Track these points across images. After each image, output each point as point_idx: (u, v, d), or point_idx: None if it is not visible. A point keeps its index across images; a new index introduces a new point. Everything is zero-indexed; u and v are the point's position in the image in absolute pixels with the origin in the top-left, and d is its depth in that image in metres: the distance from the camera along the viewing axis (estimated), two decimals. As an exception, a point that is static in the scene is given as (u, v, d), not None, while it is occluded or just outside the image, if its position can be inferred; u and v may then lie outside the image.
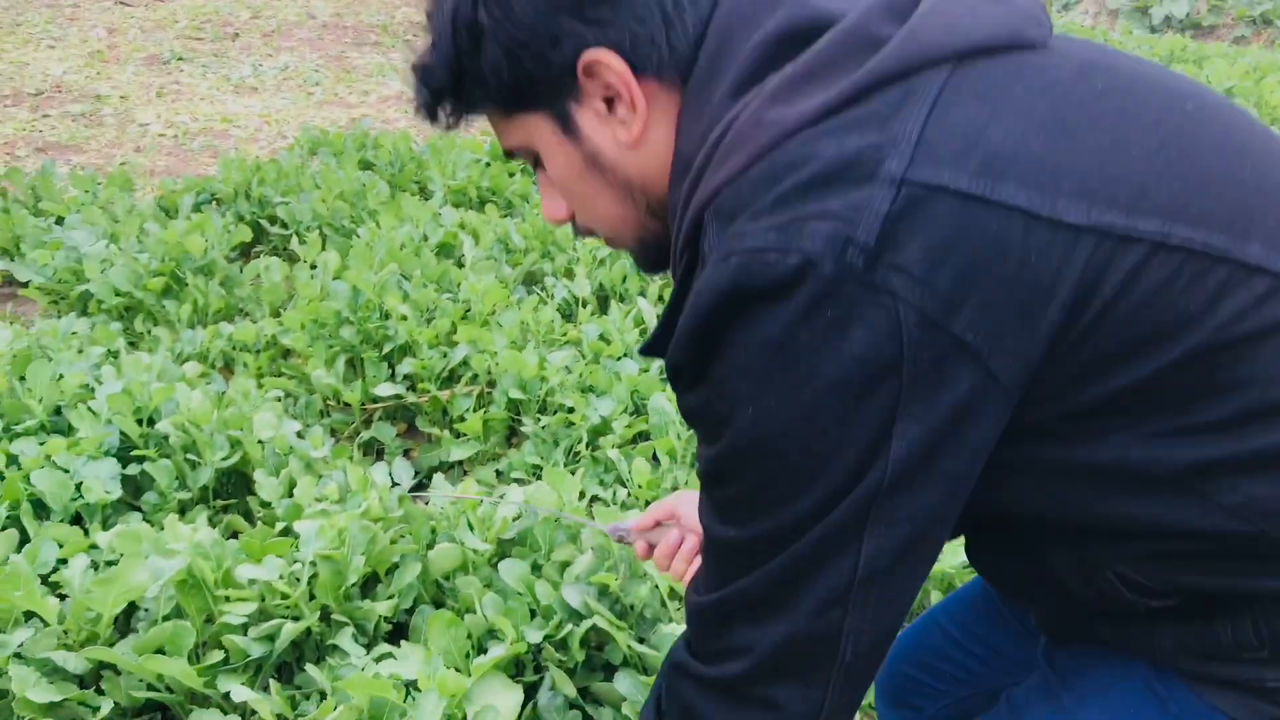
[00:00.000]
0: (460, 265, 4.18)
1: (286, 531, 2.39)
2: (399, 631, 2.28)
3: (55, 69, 8.39)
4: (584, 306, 3.84)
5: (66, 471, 2.51)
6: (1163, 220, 0.84)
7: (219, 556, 2.15)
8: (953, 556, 2.40)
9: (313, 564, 2.16)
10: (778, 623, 0.93)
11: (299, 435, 2.89)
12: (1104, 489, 0.92)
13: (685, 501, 1.59)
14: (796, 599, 0.91)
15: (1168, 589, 0.96)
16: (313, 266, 4.07)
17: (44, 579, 2.18)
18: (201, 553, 2.13)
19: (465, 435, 3.18)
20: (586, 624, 2.12)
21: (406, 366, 3.34)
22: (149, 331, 3.67)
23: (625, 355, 3.41)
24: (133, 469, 2.64)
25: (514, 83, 0.99)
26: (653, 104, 0.98)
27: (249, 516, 2.67)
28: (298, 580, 2.14)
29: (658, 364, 3.32)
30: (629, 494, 2.80)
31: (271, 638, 2.03)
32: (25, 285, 4.17)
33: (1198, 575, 0.94)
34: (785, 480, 0.88)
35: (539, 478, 2.89)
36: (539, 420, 3.14)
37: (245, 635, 2.03)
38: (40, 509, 2.48)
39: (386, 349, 3.45)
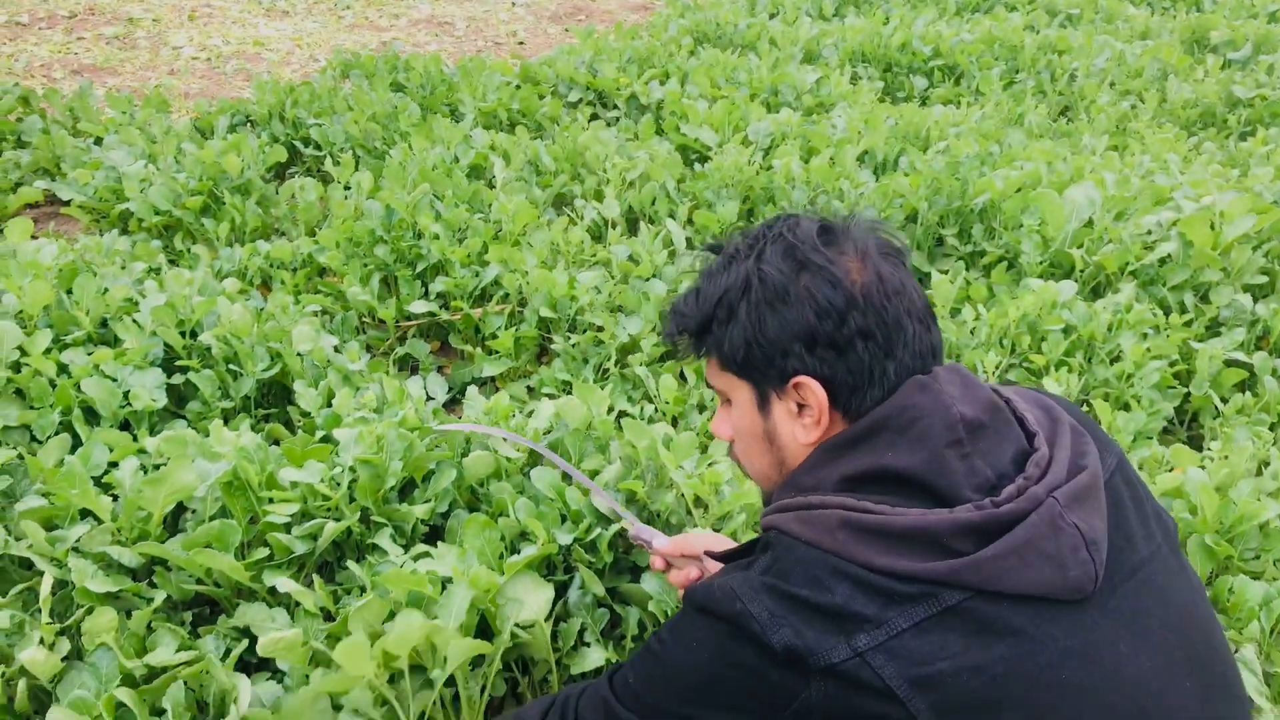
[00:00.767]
0: (491, 186, 4.22)
1: (326, 440, 2.48)
2: (435, 534, 2.37)
3: (87, -9, 8.41)
4: (613, 228, 3.88)
5: (114, 380, 2.61)
6: None
7: (262, 460, 2.24)
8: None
9: (352, 468, 2.25)
10: None
11: (335, 350, 2.97)
12: None
13: (709, 543, 1.81)
14: None
15: None
16: (346, 187, 4.13)
17: (96, 480, 2.28)
18: (246, 456, 2.22)
19: (497, 352, 3.25)
20: (615, 528, 2.20)
21: (439, 285, 3.40)
22: (189, 249, 3.75)
23: (654, 276, 3.46)
24: (177, 379, 2.73)
25: (740, 361, 1.26)
26: (830, 426, 1.23)
27: (289, 425, 2.76)
28: (338, 484, 2.23)
29: (685, 284, 3.37)
30: (656, 410, 2.86)
31: (314, 536, 2.12)
32: (67, 204, 4.25)
33: None
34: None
35: (569, 393, 2.97)
36: (569, 338, 3.20)
37: (289, 534, 2.12)
38: (90, 415, 2.58)
39: (420, 268, 3.51)
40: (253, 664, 2.00)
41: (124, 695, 1.76)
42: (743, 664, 1.10)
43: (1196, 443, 3.07)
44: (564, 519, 2.26)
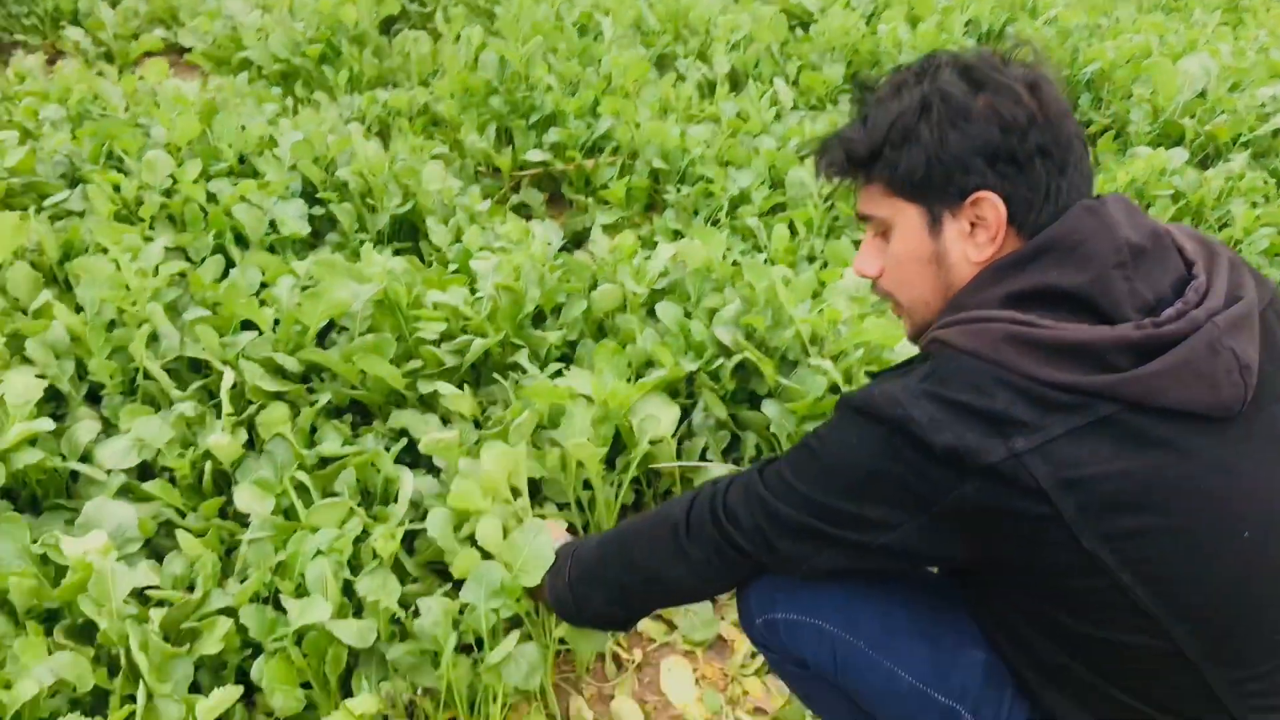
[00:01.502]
0: (599, 42, 4.27)
1: (459, 273, 2.62)
2: (566, 362, 2.53)
3: None
4: (721, 86, 3.92)
5: (260, 209, 2.77)
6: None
7: (409, 283, 2.40)
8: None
9: (492, 295, 2.40)
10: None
11: (458, 194, 3.10)
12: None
13: None
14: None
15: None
16: (456, 40, 4.20)
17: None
18: (394, 278, 2.37)
19: (608, 202, 3.36)
20: (736, 358, 2.33)
21: (553, 136, 3.50)
22: (308, 97, 3.87)
23: (763, 132, 3.52)
24: (316, 210, 2.89)
25: (918, 180, 1.27)
26: (1001, 244, 1.25)
27: (422, 259, 2.91)
28: (480, 309, 2.38)
29: (794, 141, 3.43)
30: (766, 258, 2.96)
31: (461, 351, 2.29)
32: (187, 51, 4.38)
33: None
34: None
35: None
36: (680, 189, 3.30)
37: (438, 348, 2.29)
38: (239, 240, 2.75)
39: (533, 119, 3.60)
40: (408, 463, 2.18)
41: (303, 477, 1.95)
42: (902, 461, 1.19)
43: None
44: (687, 350, 2.40)
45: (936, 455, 1.15)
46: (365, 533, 1.84)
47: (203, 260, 2.63)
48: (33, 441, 1.95)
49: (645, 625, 2.11)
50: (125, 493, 1.98)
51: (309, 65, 3.94)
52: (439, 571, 1.92)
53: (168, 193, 2.82)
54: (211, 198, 2.81)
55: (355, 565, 1.79)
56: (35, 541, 1.75)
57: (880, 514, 1.24)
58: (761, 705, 1.97)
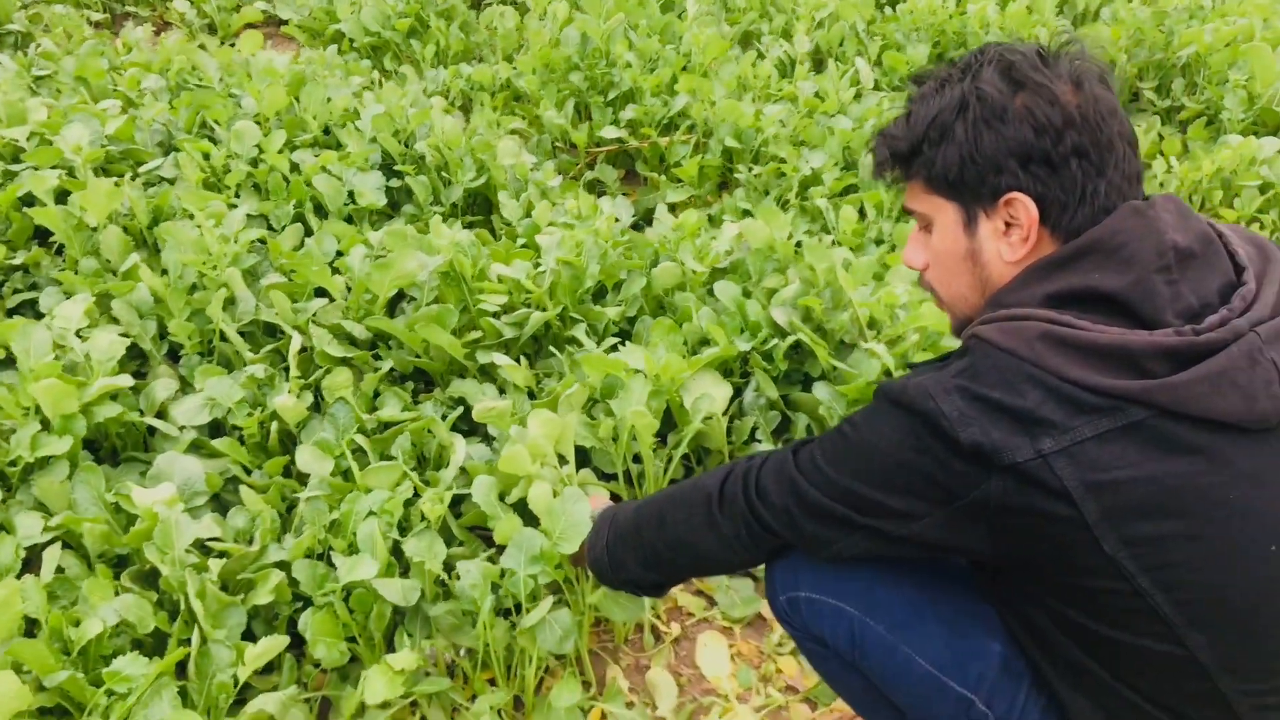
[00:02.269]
0: (681, 19, 4.27)
1: (526, 247, 2.69)
2: (623, 338, 2.57)
3: None
4: (801, 64, 3.90)
5: (340, 179, 2.87)
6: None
7: (474, 256, 2.47)
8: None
9: (554, 270, 2.45)
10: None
11: (532, 169, 3.17)
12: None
13: None
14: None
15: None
16: (542, 16, 4.26)
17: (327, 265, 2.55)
18: (461, 250, 2.45)
19: (681, 180, 3.38)
20: (790, 339, 2.35)
21: (629, 113, 3.53)
22: (396, 70, 3.97)
23: (840, 113, 3.50)
24: (393, 182, 2.98)
25: (953, 179, 1.28)
26: (1036, 244, 1.25)
27: (493, 232, 2.98)
28: (541, 282, 2.44)
29: (871, 122, 3.41)
30: (834, 241, 2.96)
31: (520, 325, 2.35)
32: (284, 24, 4.53)
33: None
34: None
35: (750, 220, 3.08)
36: (751, 169, 3.30)
37: (498, 320, 2.35)
38: (318, 210, 2.85)
39: (611, 95, 3.64)
40: (463, 430, 2.25)
41: (361, 440, 2.04)
42: (930, 454, 1.20)
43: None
44: (743, 330, 2.42)
45: (963, 450, 1.16)
46: (416, 495, 1.91)
47: (283, 228, 2.75)
48: (114, 396, 2.07)
49: (685, 600, 2.15)
50: (196, 448, 2.09)
51: (398, 39, 4.04)
52: (485, 538, 2.00)
53: (254, 162, 2.93)
54: (294, 167, 2.92)
55: (405, 527, 1.87)
56: (110, 491, 1.87)
57: (905, 504, 1.25)
58: (794, 684, 2.00)
